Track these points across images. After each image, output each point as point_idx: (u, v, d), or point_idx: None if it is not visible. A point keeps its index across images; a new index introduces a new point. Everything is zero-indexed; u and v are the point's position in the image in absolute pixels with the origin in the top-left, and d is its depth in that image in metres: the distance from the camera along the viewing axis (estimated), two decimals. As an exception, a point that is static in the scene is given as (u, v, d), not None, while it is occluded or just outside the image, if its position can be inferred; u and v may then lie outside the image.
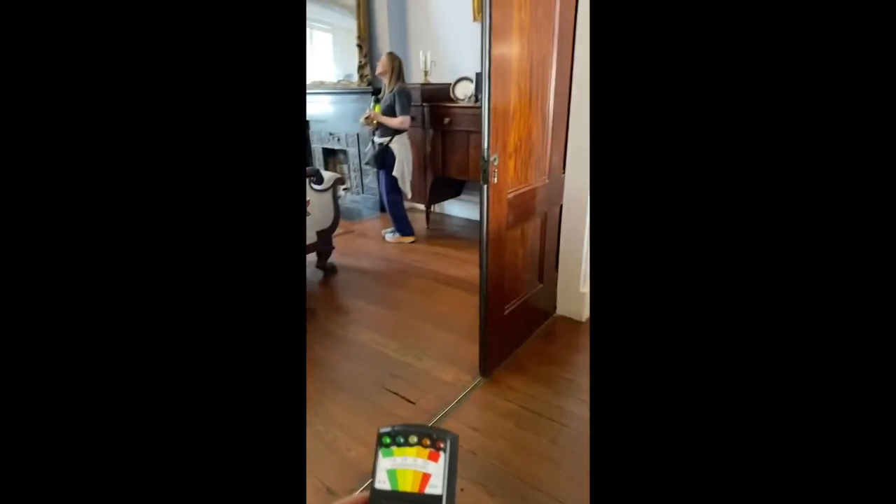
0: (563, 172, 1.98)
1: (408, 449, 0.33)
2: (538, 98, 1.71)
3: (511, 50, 1.47)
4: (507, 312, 1.79)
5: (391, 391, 1.69)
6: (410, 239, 3.21)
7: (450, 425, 1.51)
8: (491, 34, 1.34)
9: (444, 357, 1.89)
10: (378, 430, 0.34)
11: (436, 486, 0.32)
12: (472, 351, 1.80)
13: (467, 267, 2.76)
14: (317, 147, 4.39)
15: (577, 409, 1.59)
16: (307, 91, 4.14)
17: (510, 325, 1.83)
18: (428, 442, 0.33)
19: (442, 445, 0.33)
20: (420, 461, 0.32)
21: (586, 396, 1.64)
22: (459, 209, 3.80)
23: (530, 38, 1.56)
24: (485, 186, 1.51)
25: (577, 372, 1.80)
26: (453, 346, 1.96)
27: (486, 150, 1.47)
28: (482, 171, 1.50)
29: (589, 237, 2.01)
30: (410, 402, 1.64)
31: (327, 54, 4.01)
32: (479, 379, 1.74)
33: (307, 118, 4.27)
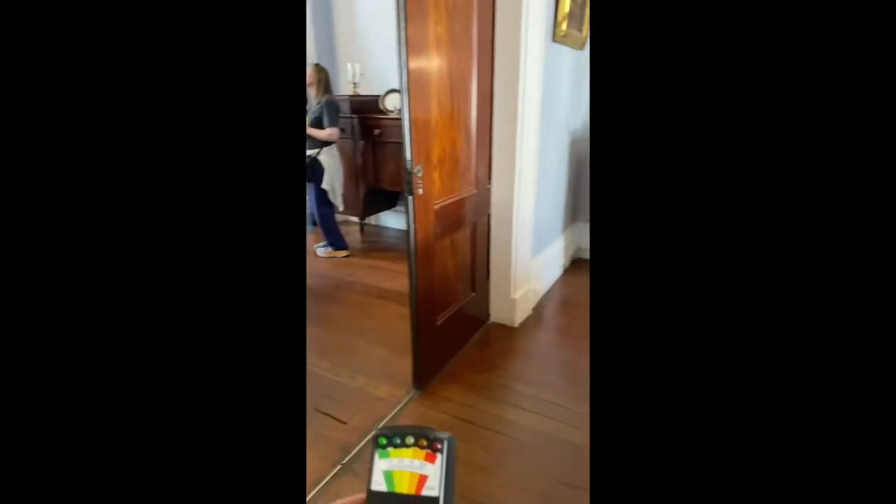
0: (490, 183, 2.03)
1: (404, 450, 0.32)
2: (460, 111, 1.74)
3: (429, 64, 1.49)
4: (439, 323, 1.79)
5: (323, 412, 1.62)
6: (344, 253, 3.14)
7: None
8: (407, 48, 1.35)
9: (377, 373, 1.85)
10: (375, 431, 0.33)
11: (432, 488, 0.31)
12: (406, 364, 1.78)
13: (402, 279, 2.73)
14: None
15: (511, 415, 1.61)
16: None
17: (443, 336, 1.84)
18: (425, 443, 0.32)
19: (439, 447, 0.32)
20: (417, 462, 0.32)
21: (520, 402, 1.68)
22: (395, 220, 3.78)
23: (449, 53, 1.59)
24: (410, 198, 1.51)
25: (511, 377, 1.83)
26: (387, 361, 1.92)
27: (408, 162, 1.47)
28: (406, 182, 1.50)
29: (514, 244, 2.07)
30: (342, 422, 1.58)
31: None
32: (412, 392, 1.72)
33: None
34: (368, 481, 0.32)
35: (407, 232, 1.56)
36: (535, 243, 2.30)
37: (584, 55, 2.60)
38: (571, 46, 2.33)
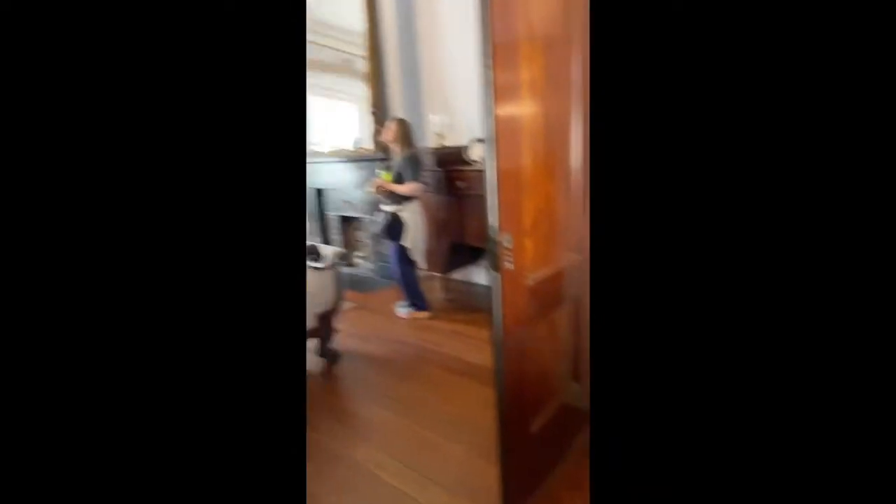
0: (595, 245, 1.65)
1: None
2: (557, 159, 1.42)
3: (520, 109, 1.21)
4: (534, 429, 1.40)
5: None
6: (425, 314, 2.89)
7: None
8: (494, 93, 1.08)
9: (454, 483, 1.49)
10: None
11: None
12: (491, 473, 1.40)
13: (487, 349, 2.39)
14: (333, 215, 4.26)
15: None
16: (322, 160, 4.07)
17: (540, 444, 1.43)
18: None
19: None
20: None
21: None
22: (480, 275, 3.48)
23: (544, 95, 1.30)
24: (497, 275, 1.19)
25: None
26: (467, 467, 1.56)
27: (493, 229, 1.17)
28: (489, 253, 1.19)
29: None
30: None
31: (352, 123, 3.97)
32: (499, 523, 1.33)
33: (322, 186, 4.18)
34: None
35: (492, 317, 1.23)
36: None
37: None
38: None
